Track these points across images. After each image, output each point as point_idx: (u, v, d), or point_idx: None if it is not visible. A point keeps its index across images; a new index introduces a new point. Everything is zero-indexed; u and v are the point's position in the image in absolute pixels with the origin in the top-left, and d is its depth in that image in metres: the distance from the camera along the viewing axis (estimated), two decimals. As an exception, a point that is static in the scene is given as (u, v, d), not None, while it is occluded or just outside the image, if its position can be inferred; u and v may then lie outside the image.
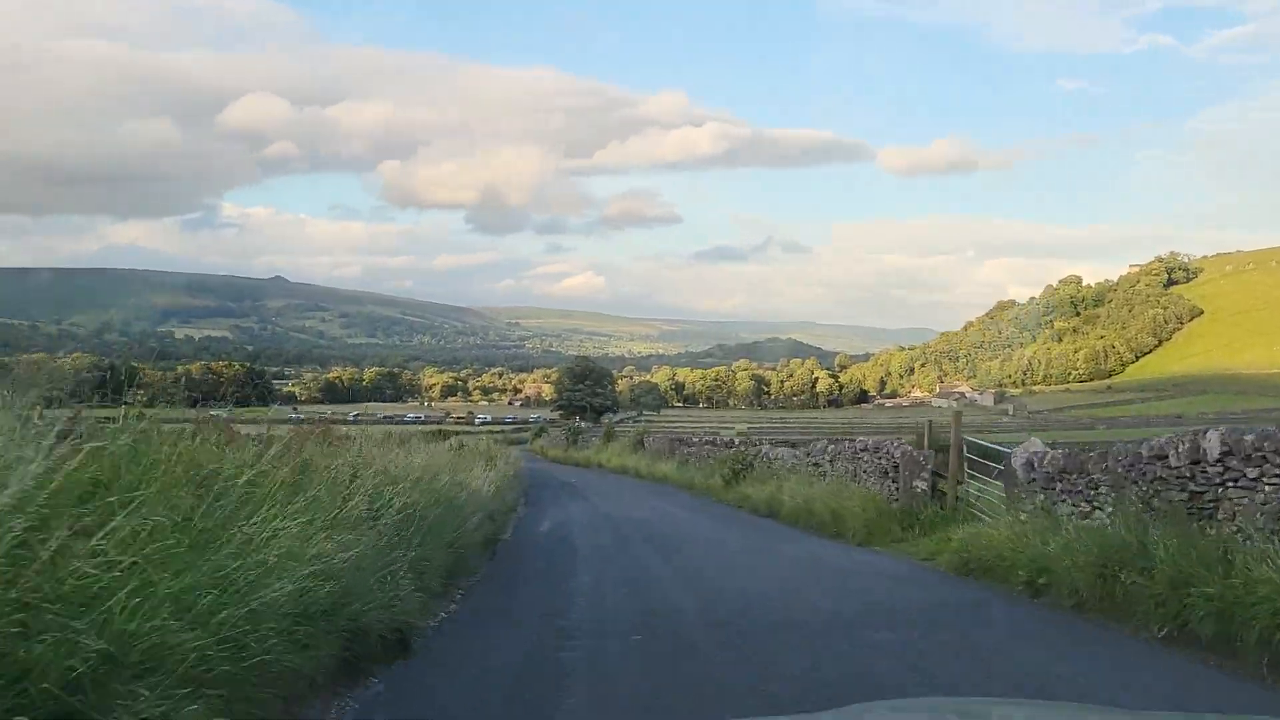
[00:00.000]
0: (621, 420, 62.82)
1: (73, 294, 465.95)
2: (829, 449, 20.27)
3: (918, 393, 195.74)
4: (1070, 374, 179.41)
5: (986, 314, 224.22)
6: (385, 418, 75.11)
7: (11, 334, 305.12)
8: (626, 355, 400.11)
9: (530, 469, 40.72)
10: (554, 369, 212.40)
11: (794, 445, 26.47)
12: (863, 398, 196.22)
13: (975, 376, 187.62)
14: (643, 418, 67.48)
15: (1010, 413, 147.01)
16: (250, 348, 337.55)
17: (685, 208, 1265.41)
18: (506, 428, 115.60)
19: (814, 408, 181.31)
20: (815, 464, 20.50)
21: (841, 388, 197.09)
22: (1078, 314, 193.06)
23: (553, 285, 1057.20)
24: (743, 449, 27.88)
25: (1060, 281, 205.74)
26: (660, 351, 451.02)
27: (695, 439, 37.34)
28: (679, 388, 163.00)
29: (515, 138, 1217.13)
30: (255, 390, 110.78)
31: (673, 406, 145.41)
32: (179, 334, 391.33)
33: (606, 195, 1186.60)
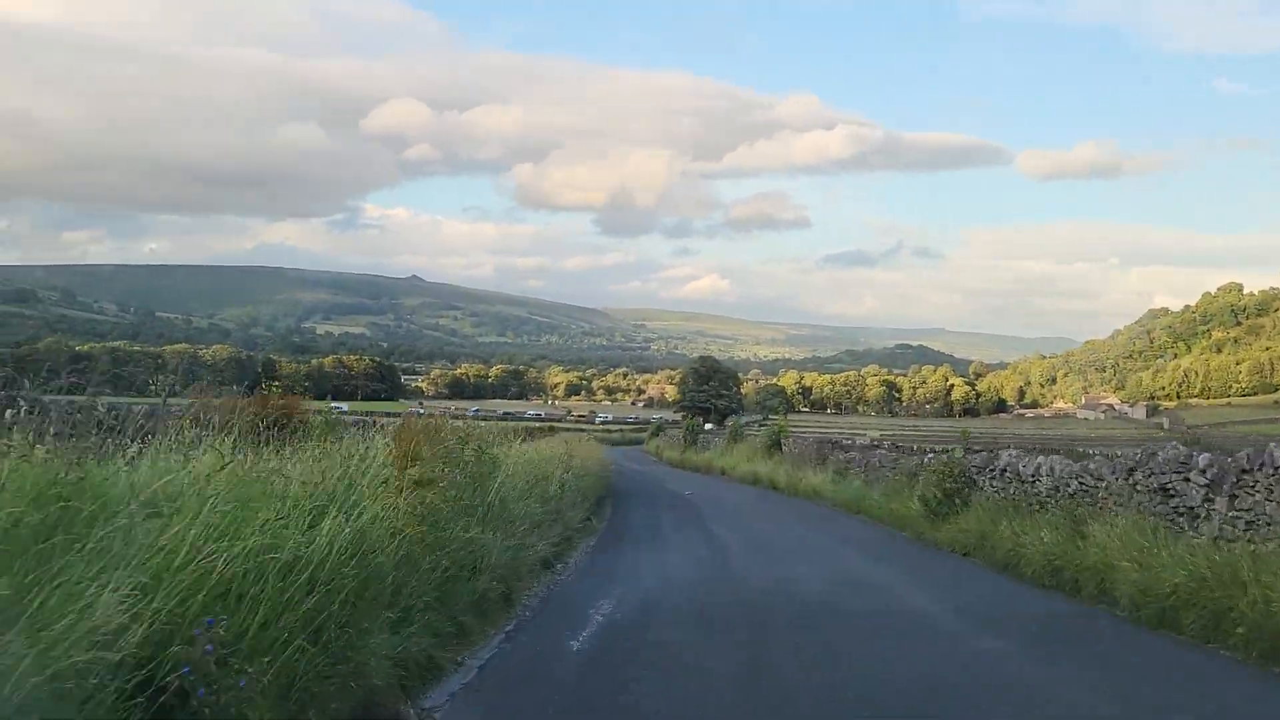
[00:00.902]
0: (747, 424, 58.36)
1: (226, 290, 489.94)
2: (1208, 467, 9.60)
3: (1061, 403, 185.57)
4: (1231, 387, 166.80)
5: (1136, 322, 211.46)
6: (504, 414, 74.44)
7: (167, 327, 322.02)
8: (752, 359, 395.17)
9: (635, 473, 37.16)
10: (678, 370, 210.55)
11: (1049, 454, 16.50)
12: (1001, 407, 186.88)
13: (1124, 388, 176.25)
14: (769, 421, 62.92)
15: (1165, 426, 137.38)
16: (384, 344, 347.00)
17: (815, 211, 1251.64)
18: (625, 427, 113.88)
19: (949, 416, 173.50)
20: (1165, 489, 10.20)
21: (979, 396, 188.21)
22: (1238, 323, 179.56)
23: (679, 288, 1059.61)
24: (953, 457, 17.14)
25: (1219, 289, 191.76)
26: (787, 356, 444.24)
27: (851, 441, 31.64)
28: (806, 392, 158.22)
29: (645, 141, 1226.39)
30: (384, 384, 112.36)
31: (799, 411, 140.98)
32: (320, 330, 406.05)
33: (735, 198, 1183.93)
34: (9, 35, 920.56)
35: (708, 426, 63.42)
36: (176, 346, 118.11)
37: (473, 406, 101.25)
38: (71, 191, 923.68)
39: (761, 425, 60.41)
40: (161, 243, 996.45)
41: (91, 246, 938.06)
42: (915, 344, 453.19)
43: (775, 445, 34.51)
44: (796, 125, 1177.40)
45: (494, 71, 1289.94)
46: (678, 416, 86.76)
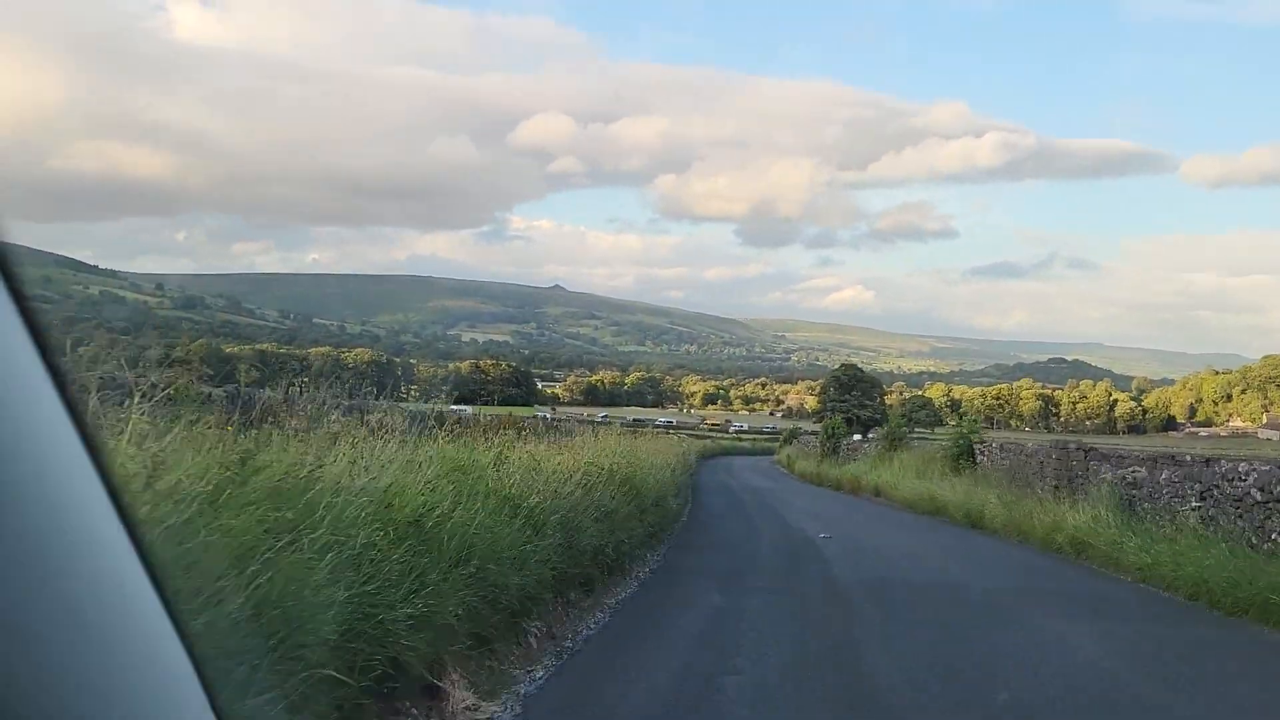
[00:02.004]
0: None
1: (380, 298, 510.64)
2: None
3: (1237, 421, 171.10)
4: None
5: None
6: (634, 421, 72.43)
7: (322, 332, 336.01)
8: (896, 371, 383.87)
9: (750, 492, 30.09)
10: (818, 381, 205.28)
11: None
12: (1170, 425, 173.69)
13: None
14: (915, 434, 57.26)
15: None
16: (525, 351, 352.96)
17: (962, 221, 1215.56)
18: (760, 436, 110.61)
19: (1111, 433, 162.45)
20: None
21: (1145, 413, 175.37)
22: None
23: (821, 299, 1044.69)
24: None
25: None
26: (932, 369, 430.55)
27: (1139, 454, 15.04)
28: (954, 405, 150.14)
29: (788, 150, 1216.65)
30: (519, 390, 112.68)
31: (947, 424, 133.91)
32: (465, 337, 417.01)
33: (879, 208, 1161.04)
34: (193, 59, 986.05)
35: (855, 437, 57.13)
36: (320, 349, 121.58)
37: (602, 413, 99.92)
38: (243, 205, 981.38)
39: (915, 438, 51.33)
40: (323, 253, 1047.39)
41: (259, 257, 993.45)
42: (1070, 358, 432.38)
43: (964, 455, 23.29)
44: (944, 133, 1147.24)
45: (638, 84, 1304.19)
46: (818, 427, 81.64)
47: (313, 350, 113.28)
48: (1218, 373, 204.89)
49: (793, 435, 70.60)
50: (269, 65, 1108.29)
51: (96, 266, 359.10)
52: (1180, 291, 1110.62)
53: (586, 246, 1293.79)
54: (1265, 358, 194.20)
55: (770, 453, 77.24)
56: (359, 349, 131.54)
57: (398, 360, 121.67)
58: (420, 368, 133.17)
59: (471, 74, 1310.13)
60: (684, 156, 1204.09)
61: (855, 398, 79.07)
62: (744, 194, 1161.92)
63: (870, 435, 50.40)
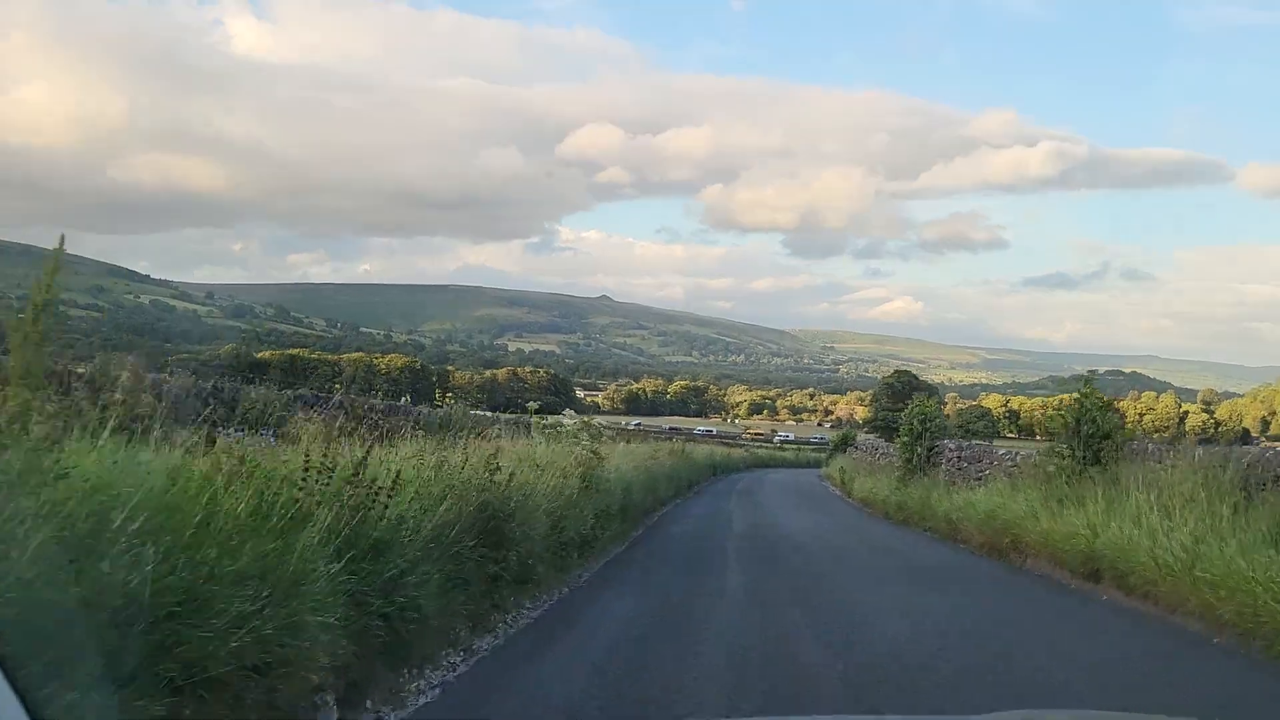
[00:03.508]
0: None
1: (428, 307, 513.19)
2: None
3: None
4: None
5: None
6: (670, 429, 67.83)
7: (367, 340, 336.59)
8: (947, 383, 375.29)
9: (792, 542, 16.19)
10: (868, 392, 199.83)
11: None
12: (1245, 438, 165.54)
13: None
14: (972, 446, 51.77)
15: None
16: (570, 360, 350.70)
17: (1013, 231, 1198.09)
18: (806, 446, 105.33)
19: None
20: None
21: (1217, 425, 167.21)
22: None
23: (870, 310, 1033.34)
24: None
25: None
26: (984, 381, 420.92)
27: None
28: (1013, 415, 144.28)
29: (836, 160, 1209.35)
30: (558, 398, 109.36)
31: (1005, 436, 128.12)
32: (512, 347, 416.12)
33: (928, 218, 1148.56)
34: (249, 71, 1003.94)
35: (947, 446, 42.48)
36: (353, 355, 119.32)
37: (635, 421, 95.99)
38: (297, 216, 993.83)
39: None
40: (375, 263, 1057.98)
41: (312, 268, 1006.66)
42: (1127, 370, 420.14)
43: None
44: (994, 142, 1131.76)
45: (685, 94, 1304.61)
46: (871, 437, 75.75)
47: (345, 356, 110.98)
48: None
49: (845, 441, 53.37)
50: (322, 77, 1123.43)
51: (148, 276, 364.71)
52: (1237, 303, 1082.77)
53: (634, 257, 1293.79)
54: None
55: (818, 465, 70.05)
56: (393, 356, 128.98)
57: (433, 368, 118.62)
58: (456, 375, 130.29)
59: (520, 85, 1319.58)
60: (731, 166, 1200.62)
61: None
62: (791, 204, 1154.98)
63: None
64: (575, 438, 13.16)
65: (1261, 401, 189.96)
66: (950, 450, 22.14)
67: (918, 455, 22.77)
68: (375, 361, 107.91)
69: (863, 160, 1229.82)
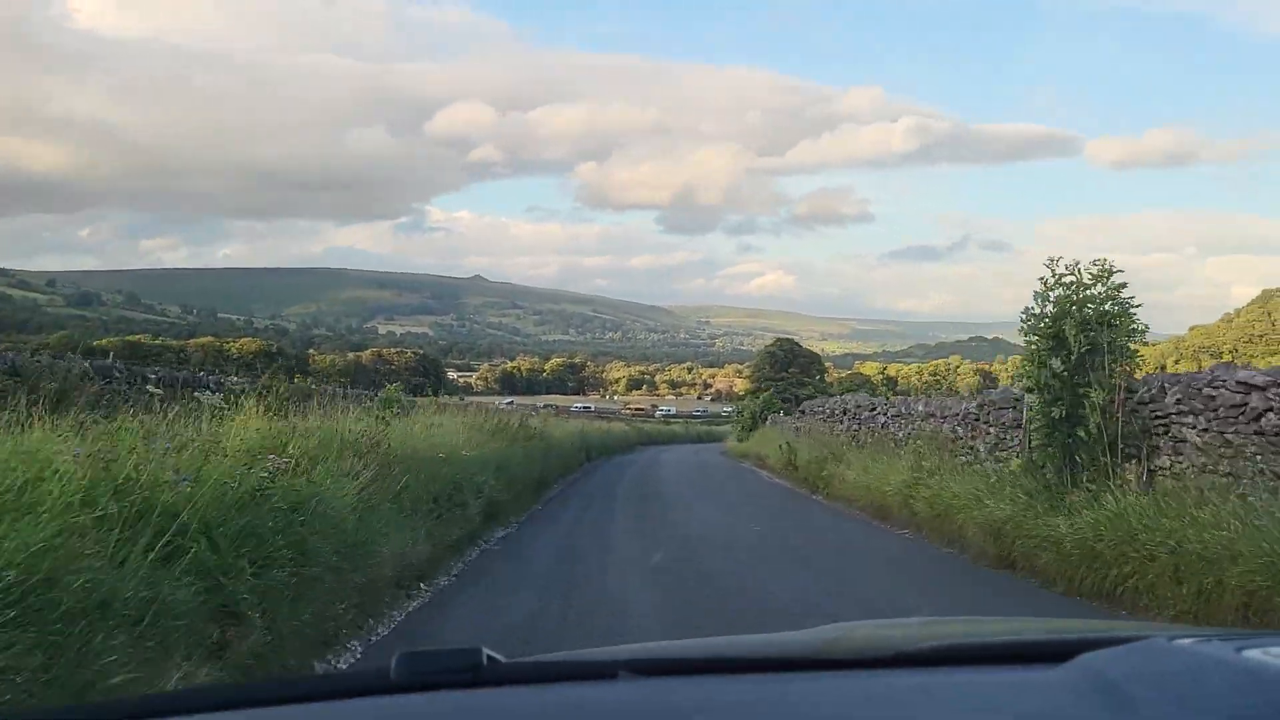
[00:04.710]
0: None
1: (292, 291, 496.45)
2: None
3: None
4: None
5: (1253, 304, 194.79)
6: (546, 406, 63.19)
7: (226, 326, 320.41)
8: (821, 354, 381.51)
9: None
10: (745, 363, 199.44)
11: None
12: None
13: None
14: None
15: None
16: (442, 342, 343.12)
17: (880, 206, 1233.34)
18: (693, 420, 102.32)
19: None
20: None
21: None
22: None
23: (744, 284, 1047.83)
24: None
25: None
26: (856, 350, 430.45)
27: None
28: (891, 382, 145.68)
29: (710, 137, 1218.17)
30: (427, 379, 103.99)
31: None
32: (382, 330, 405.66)
33: (800, 194, 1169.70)
34: (97, 48, 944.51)
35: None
36: (201, 340, 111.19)
37: (508, 399, 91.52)
38: (152, 200, 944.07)
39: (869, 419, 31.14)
40: (236, 247, 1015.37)
41: (167, 254, 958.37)
42: (990, 337, 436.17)
43: None
44: (860, 118, 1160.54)
45: (558, 71, 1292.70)
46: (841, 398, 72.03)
47: (192, 342, 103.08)
48: (1148, 344, 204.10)
49: (766, 409, 42.01)
50: (178, 55, 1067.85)
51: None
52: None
53: (508, 236, 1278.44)
54: (1193, 328, 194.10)
55: (712, 439, 60.99)
56: (245, 340, 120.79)
57: (292, 352, 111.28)
58: (316, 358, 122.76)
59: (388, 62, 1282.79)
60: (606, 144, 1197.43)
61: (793, 374, 71.47)
62: (666, 182, 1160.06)
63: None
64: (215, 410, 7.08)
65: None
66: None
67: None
68: (226, 346, 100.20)
69: (736, 137, 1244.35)
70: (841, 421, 22.70)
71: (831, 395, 33.18)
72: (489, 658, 1.23)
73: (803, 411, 30.30)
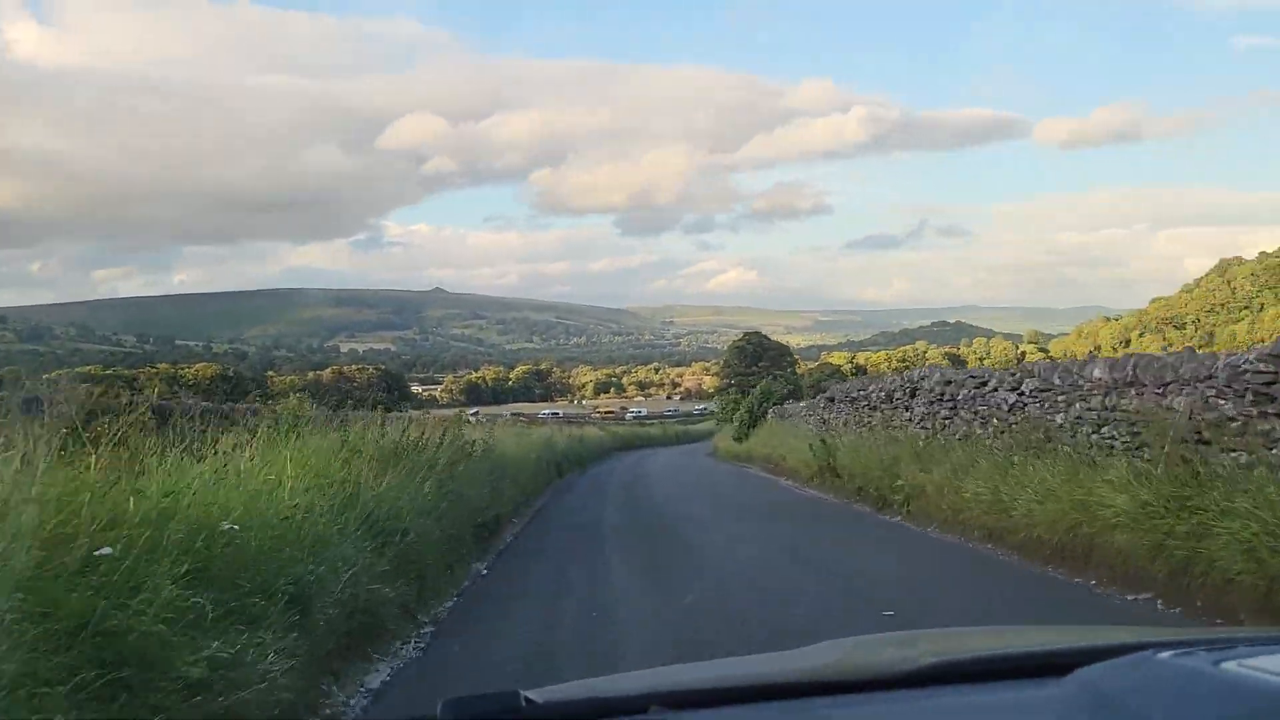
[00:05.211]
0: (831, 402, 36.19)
1: (251, 313, 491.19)
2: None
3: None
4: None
5: (1211, 273, 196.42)
6: (513, 415, 61.43)
7: (184, 352, 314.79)
8: (785, 346, 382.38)
9: None
10: (712, 361, 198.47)
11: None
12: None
13: (1214, 343, 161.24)
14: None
15: None
16: (405, 357, 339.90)
17: (836, 197, 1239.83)
18: (669, 420, 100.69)
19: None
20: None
21: (1053, 361, 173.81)
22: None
23: (705, 283, 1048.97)
24: None
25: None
26: (820, 341, 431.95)
27: None
28: (860, 370, 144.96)
29: (663, 138, 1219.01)
30: (391, 394, 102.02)
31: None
32: (344, 348, 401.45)
33: (755, 189, 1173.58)
34: (38, 79, 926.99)
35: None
36: (158, 367, 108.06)
37: (473, 409, 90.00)
38: (104, 230, 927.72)
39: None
40: (191, 273, 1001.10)
41: (121, 283, 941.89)
42: (953, 321, 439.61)
43: None
44: (812, 111, 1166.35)
45: (510, 79, 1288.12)
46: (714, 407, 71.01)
47: (143, 371, 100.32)
48: (1108, 319, 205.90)
49: (765, 399, 37.00)
50: (123, 81, 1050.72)
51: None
52: (1046, 251, 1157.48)
53: (467, 247, 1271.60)
54: (1154, 300, 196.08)
55: (695, 439, 56.72)
56: (202, 365, 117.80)
57: (248, 376, 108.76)
58: (276, 379, 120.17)
59: (337, 79, 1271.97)
60: (559, 150, 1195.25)
61: (764, 368, 70.29)
62: (622, 184, 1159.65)
63: (786, 405, 35.86)
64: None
65: (1086, 336, 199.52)
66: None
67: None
68: (182, 372, 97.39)
69: (689, 136, 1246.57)
70: (908, 408, 16.25)
71: (842, 381, 29.29)
72: (527, 700, 1.28)
73: (831, 399, 23.26)
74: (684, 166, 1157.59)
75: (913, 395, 16.16)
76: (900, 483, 13.29)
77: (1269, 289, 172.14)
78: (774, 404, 35.24)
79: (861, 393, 19.99)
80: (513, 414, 68.25)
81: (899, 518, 13.09)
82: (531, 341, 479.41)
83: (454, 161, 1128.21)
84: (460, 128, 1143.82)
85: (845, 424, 20.32)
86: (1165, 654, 1.22)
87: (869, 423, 18.43)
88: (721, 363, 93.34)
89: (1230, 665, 1.11)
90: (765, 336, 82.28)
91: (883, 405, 17.85)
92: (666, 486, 22.15)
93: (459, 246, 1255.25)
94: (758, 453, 28.07)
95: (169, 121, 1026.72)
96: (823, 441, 18.68)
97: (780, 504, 17.00)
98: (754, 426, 35.06)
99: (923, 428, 15.13)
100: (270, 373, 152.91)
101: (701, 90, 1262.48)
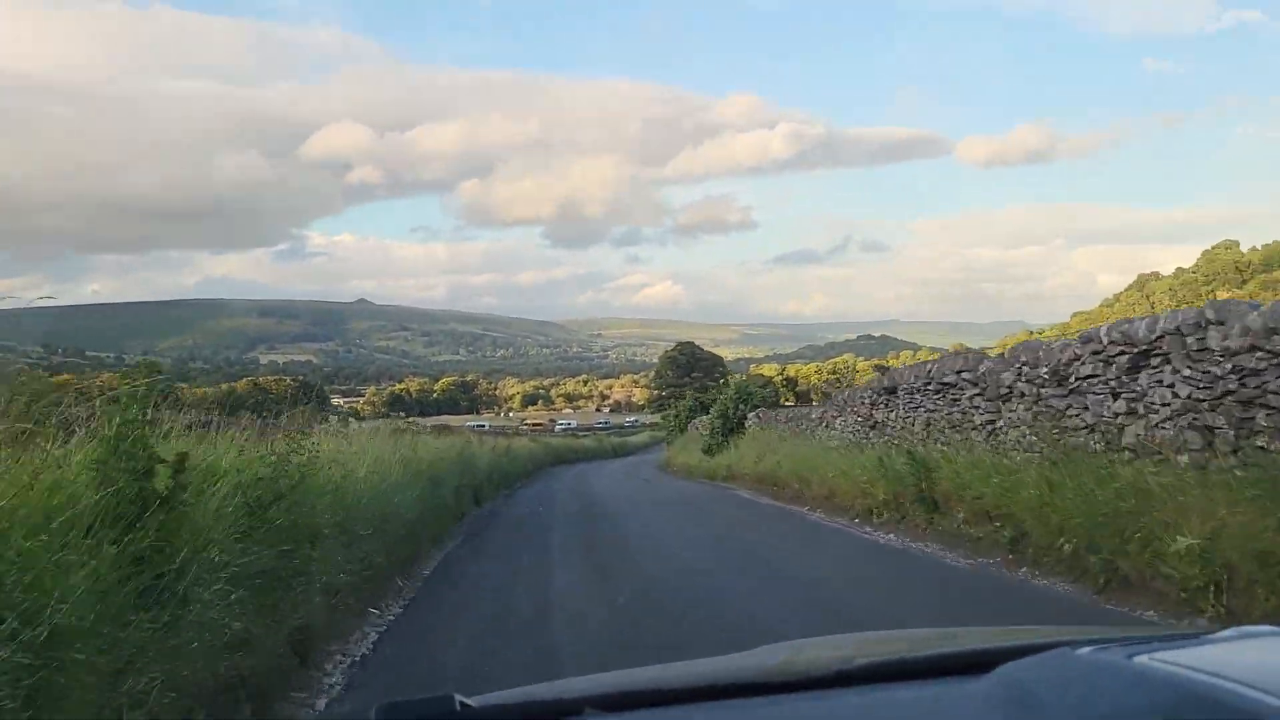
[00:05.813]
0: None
1: (167, 324, 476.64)
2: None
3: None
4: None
5: (1130, 288, 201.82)
6: (434, 426, 57.86)
7: (94, 364, 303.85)
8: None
9: None
10: (641, 374, 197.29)
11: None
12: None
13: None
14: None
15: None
16: (328, 369, 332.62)
17: (762, 212, 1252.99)
18: (604, 432, 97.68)
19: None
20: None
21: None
22: (1244, 281, 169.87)
23: (633, 296, 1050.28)
24: None
25: (1214, 246, 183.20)
26: (747, 354, 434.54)
27: None
28: (791, 382, 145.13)
29: (591, 150, 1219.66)
30: (310, 406, 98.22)
31: (786, 405, 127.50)
32: (264, 359, 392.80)
33: (683, 203, 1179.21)
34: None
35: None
36: (60, 378, 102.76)
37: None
38: (7, 239, 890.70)
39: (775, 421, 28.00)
40: (104, 282, 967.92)
41: (29, 292, 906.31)
42: (877, 335, 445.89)
43: None
44: (738, 126, 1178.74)
45: (435, 90, 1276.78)
46: (658, 418, 68.79)
47: (52, 377, 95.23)
48: (1031, 333, 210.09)
49: (743, 399, 32.20)
50: (28, 86, 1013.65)
51: None
52: (965, 267, 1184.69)
53: (392, 259, 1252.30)
54: (1075, 314, 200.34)
55: (633, 451, 54.33)
56: (107, 376, 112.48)
57: (155, 384, 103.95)
58: (186, 391, 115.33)
59: (257, 86, 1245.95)
60: (486, 161, 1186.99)
61: (697, 379, 68.62)
62: (549, 196, 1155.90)
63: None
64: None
65: (1011, 350, 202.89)
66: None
67: None
68: (86, 384, 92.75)
69: (617, 148, 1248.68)
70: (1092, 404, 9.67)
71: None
72: (461, 704, 1.28)
73: (890, 390, 16.03)
74: (612, 178, 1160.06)
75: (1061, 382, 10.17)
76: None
77: (1185, 304, 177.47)
78: (752, 408, 30.74)
79: (969, 377, 12.67)
80: (436, 426, 65.14)
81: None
82: (458, 354, 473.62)
83: (379, 171, 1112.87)
84: (385, 138, 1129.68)
85: (927, 427, 13.97)
86: (1084, 650, 1.28)
87: (966, 425, 12.57)
88: (653, 374, 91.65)
89: (1142, 659, 1.17)
90: (698, 347, 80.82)
91: (1015, 396, 11.32)
92: (640, 523, 14.95)
93: (384, 258, 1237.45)
94: (744, 470, 23.11)
95: (79, 127, 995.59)
96: (910, 457, 12.56)
97: (867, 582, 9.08)
98: (729, 435, 29.97)
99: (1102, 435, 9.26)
100: (182, 385, 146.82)
101: (629, 102, 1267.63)
